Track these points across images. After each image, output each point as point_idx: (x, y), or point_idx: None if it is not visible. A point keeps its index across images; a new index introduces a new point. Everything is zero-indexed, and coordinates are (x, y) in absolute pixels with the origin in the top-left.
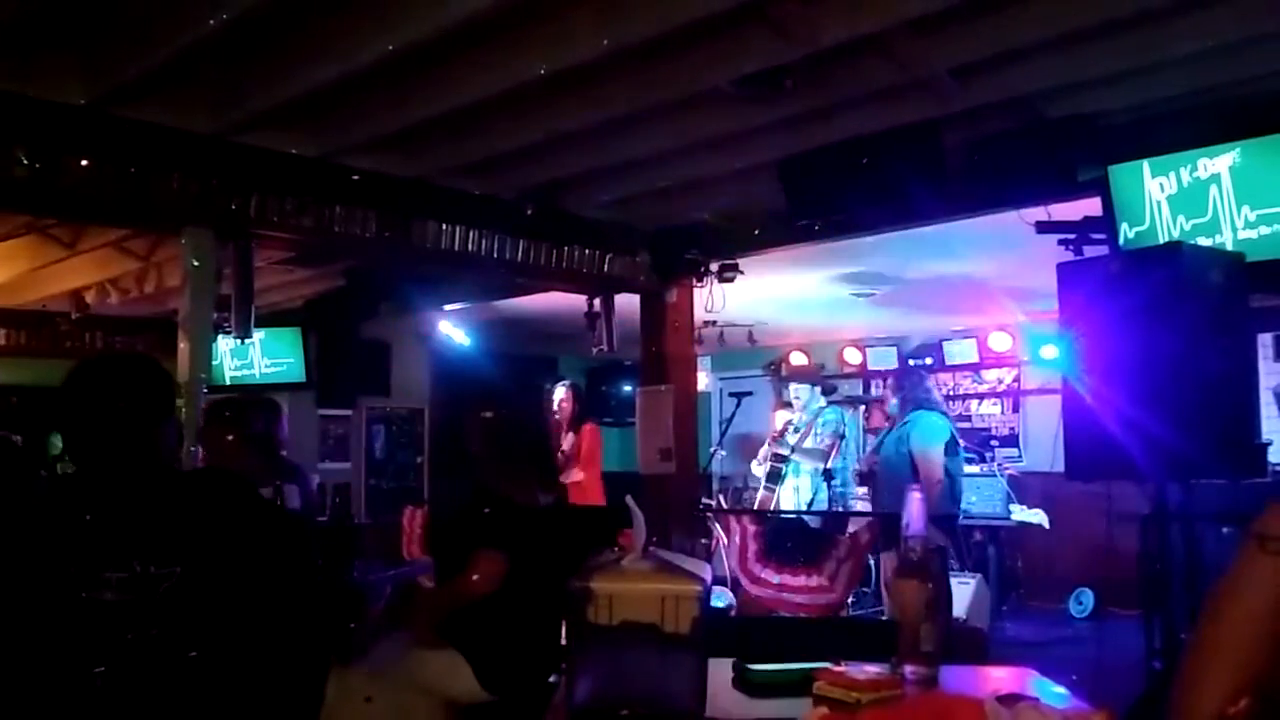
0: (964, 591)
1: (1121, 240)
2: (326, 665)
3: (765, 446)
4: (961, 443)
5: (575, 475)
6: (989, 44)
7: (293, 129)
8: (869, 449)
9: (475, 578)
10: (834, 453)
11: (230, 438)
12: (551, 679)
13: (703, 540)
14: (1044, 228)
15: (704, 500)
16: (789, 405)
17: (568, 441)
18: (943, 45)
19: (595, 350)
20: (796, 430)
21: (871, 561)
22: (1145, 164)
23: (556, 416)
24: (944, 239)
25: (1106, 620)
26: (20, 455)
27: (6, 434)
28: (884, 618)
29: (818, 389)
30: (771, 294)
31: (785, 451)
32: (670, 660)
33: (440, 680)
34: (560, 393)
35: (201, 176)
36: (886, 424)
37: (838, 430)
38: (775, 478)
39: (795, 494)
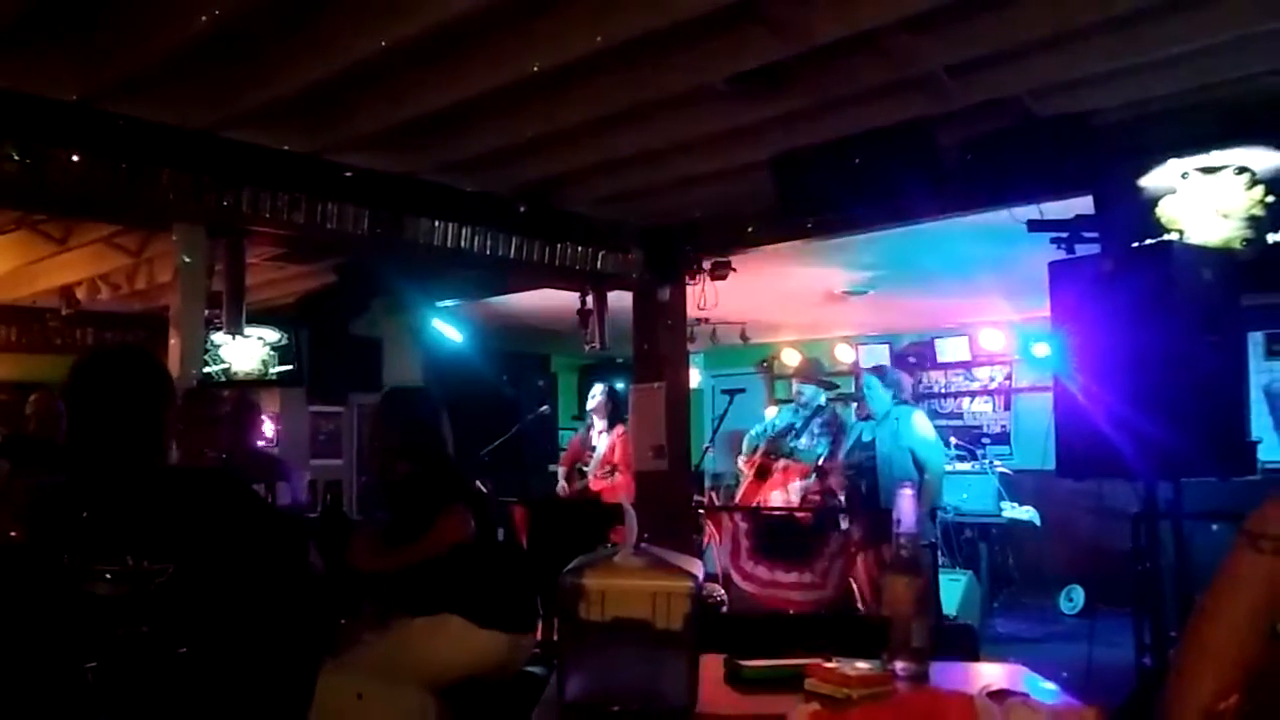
0: (955, 588)
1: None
2: (317, 662)
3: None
4: (955, 440)
5: (616, 478)
6: (983, 42)
7: (284, 125)
8: (851, 443)
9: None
10: (838, 449)
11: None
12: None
13: (695, 536)
14: (1036, 226)
15: (696, 497)
16: (783, 402)
17: (602, 441)
18: (937, 43)
19: (587, 347)
20: (788, 429)
21: None
22: (1139, 162)
23: (594, 416)
24: (937, 237)
25: (1097, 617)
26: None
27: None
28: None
29: (818, 387)
30: (764, 291)
31: (785, 454)
32: (662, 656)
33: (452, 648)
34: (596, 393)
35: (193, 172)
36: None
37: (842, 426)
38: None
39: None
